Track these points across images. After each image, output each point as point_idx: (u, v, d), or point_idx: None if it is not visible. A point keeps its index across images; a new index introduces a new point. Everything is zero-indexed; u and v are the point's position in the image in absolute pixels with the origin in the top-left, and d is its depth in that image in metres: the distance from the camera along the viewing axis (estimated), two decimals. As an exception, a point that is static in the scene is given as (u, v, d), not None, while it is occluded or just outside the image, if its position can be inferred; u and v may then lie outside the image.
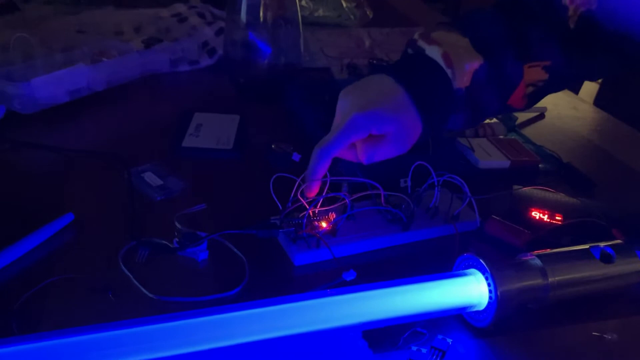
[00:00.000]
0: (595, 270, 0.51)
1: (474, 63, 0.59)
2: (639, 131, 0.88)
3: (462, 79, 0.58)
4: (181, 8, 1.11)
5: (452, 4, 3.06)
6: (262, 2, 0.90)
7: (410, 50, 0.62)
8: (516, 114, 0.85)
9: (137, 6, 1.16)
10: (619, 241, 0.54)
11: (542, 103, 0.90)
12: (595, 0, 0.59)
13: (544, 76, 0.62)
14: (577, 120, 0.90)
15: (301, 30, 0.92)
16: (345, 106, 0.57)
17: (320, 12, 1.20)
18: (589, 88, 1.40)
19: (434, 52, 0.59)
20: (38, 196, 0.63)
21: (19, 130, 0.74)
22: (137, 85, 0.87)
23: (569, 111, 0.92)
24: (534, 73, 0.62)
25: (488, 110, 0.63)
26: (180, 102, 0.85)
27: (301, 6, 1.15)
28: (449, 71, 0.58)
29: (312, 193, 0.56)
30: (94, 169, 0.68)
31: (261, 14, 0.90)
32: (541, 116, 0.89)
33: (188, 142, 0.74)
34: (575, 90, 1.26)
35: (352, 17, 1.22)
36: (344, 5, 1.21)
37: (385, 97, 0.57)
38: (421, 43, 0.60)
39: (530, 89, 0.63)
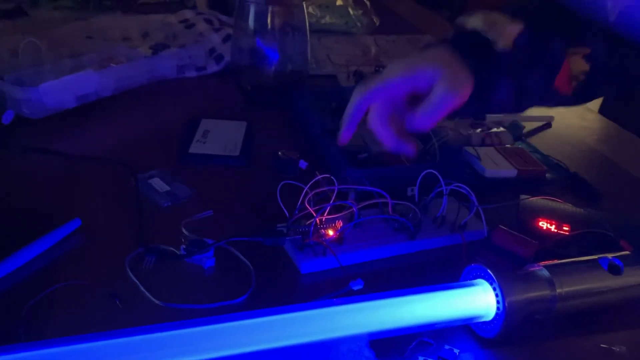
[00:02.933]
0: (603, 282, 0.50)
1: (515, 28, 0.59)
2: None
3: (505, 42, 0.58)
4: (189, 14, 1.11)
5: (457, 11, 3.06)
6: (270, 9, 0.90)
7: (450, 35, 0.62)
8: (523, 123, 0.85)
9: (144, 12, 1.17)
10: (627, 252, 0.53)
11: (548, 112, 0.90)
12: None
13: (586, 67, 0.62)
14: (584, 129, 0.90)
15: (308, 38, 0.92)
16: (395, 63, 0.57)
17: (327, 19, 1.20)
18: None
19: (474, 22, 0.60)
20: (45, 201, 0.63)
21: (27, 135, 0.75)
22: (145, 91, 0.87)
23: (575, 121, 0.92)
24: (576, 62, 0.62)
25: (534, 87, 0.62)
26: (188, 109, 0.85)
27: (308, 13, 1.15)
28: (490, 34, 0.58)
29: (345, 140, 0.55)
30: (101, 174, 0.68)
31: (269, 20, 0.91)
32: (548, 125, 0.89)
33: (195, 148, 0.74)
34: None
35: (358, 24, 1.22)
36: (351, 12, 1.21)
37: (429, 54, 0.57)
38: (461, 20, 0.61)
39: (574, 82, 0.63)
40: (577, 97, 0.65)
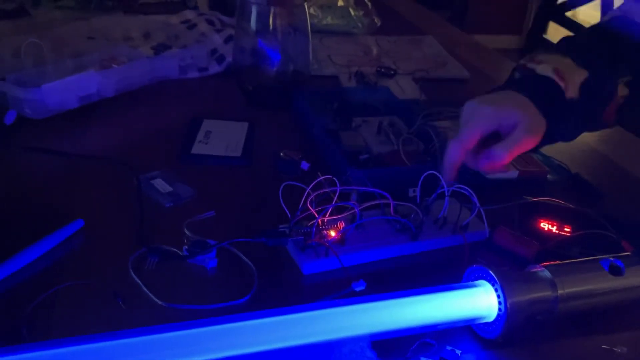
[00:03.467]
0: (604, 283, 0.50)
1: (580, 76, 0.65)
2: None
3: (573, 90, 0.64)
4: (190, 15, 1.11)
5: (458, 12, 3.06)
6: (272, 10, 0.90)
7: (517, 74, 0.68)
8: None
9: (146, 12, 1.17)
10: (628, 253, 0.54)
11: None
12: None
13: (626, 92, 0.68)
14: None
15: (310, 38, 0.92)
16: (472, 106, 0.62)
17: (329, 20, 1.20)
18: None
19: (545, 69, 0.65)
20: (48, 201, 0.63)
21: (29, 135, 0.75)
22: (146, 92, 0.87)
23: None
24: (620, 89, 0.68)
25: (595, 123, 0.70)
26: (189, 109, 0.85)
27: (310, 14, 1.16)
28: (562, 84, 0.64)
29: (451, 179, 0.60)
30: (104, 174, 0.68)
31: (270, 21, 0.91)
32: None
33: (197, 149, 0.74)
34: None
35: (360, 25, 1.22)
36: (352, 13, 1.22)
37: (510, 98, 0.63)
38: (531, 65, 0.67)
39: (617, 104, 0.69)
40: (616, 120, 0.70)
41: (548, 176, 0.73)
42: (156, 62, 0.92)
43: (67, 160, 0.71)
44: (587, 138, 0.87)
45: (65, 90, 0.78)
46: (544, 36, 1.87)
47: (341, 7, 1.21)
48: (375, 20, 1.26)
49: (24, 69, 0.81)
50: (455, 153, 0.60)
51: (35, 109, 0.76)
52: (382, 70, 1.04)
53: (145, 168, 0.68)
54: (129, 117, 0.83)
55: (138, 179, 0.66)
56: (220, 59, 1.00)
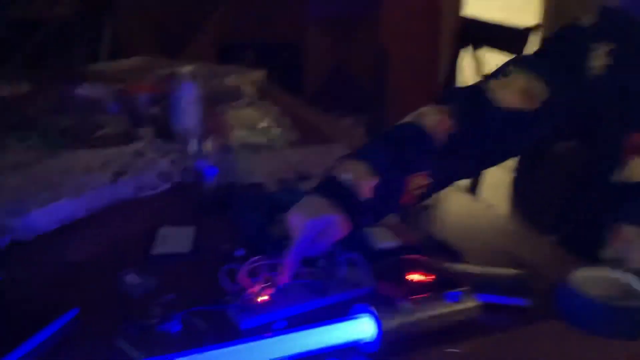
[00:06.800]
0: (447, 308, 0.75)
1: (372, 182, 0.86)
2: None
3: (365, 192, 0.85)
4: (139, 145, 1.36)
5: (374, 119, 3.43)
6: (207, 136, 1.16)
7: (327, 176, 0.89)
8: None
9: (100, 146, 1.41)
10: (465, 288, 0.78)
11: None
12: (456, 125, 0.90)
13: (428, 180, 0.90)
14: (452, 207, 1.17)
15: (238, 155, 1.18)
16: (298, 219, 0.83)
17: (254, 138, 1.47)
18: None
19: (345, 177, 0.86)
20: (48, 298, 0.83)
21: (21, 254, 0.95)
22: (111, 210, 1.09)
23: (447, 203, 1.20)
24: (419, 179, 0.90)
25: (389, 211, 0.92)
26: (147, 220, 1.08)
27: (237, 135, 1.42)
28: (357, 190, 0.86)
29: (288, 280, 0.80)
30: (88, 276, 0.89)
31: (206, 145, 1.17)
32: (425, 207, 1.15)
33: (157, 249, 0.96)
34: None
35: (280, 140, 1.49)
36: (272, 130, 1.49)
37: (322, 208, 0.84)
38: (335, 172, 0.88)
39: (419, 191, 0.90)
40: (421, 199, 0.93)
41: (422, 243, 0.99)
42: (116, 186, 1.14)
43: (56, 271, 0.91)
44: (450, 211, 1.14)
45: (47, 215, 1.00)
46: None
47: (263, 127, 1.48)
48: (293, 134, 1.53)
49: (10, 201, 1.03)
50: (293, 265, 0.81)
51: (24, 232, 0.97)
52: (300, 175, 1.30)
53: (120, 267, 0.89)
54: (101, 231, 1.04)
55: (115, 276, 0.87)
56: (168, 178, 1.24)
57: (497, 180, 1.85)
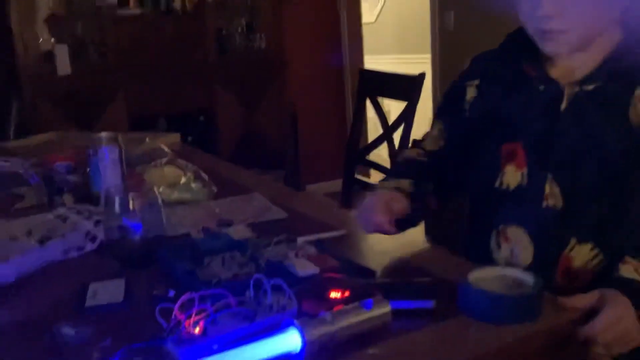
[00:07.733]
0: (362, 316, 0.84)
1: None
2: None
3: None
4: (62, 211, 1.39)
5: (291, 172, 3.57)
6: (130, 195, 1.22)
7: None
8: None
9: (21, 216, 1.43)
10: (378, 297, 0.88)
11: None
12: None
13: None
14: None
15: (162, 210, 1.24)
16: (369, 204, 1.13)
17: (176, 195, 1.54)
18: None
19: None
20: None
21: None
22: (41, 272, 1.12)
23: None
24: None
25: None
26: (78, 278, 1.11)
27: (159, 192, 1.48)
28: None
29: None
30: (28, 332, 0.92)
31: (130, 203, 1.22)
32: (344, 236, 1.26)
33: (90, 302, 1.00)
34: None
35: (201, 194, 1.57)
36: (193, 186, 1.56)
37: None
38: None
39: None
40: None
41: (339, 268, 1.08)
42: (42, 250, 1.18)
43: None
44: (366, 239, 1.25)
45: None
46: (356, 176, 2.40)
47: (184, 183, 1.55)
48: (213, 188, 1.61)
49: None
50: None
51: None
52: (223, 222, 1.37)
53: (55, 321, 0.93)
54: (32, 293, 1.07)
55: (52, 329, 0.91)
56: (94, 239, 1.28)
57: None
